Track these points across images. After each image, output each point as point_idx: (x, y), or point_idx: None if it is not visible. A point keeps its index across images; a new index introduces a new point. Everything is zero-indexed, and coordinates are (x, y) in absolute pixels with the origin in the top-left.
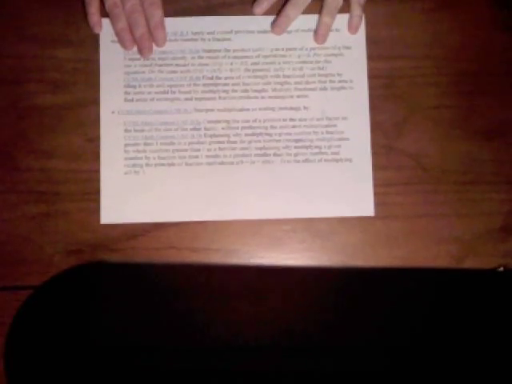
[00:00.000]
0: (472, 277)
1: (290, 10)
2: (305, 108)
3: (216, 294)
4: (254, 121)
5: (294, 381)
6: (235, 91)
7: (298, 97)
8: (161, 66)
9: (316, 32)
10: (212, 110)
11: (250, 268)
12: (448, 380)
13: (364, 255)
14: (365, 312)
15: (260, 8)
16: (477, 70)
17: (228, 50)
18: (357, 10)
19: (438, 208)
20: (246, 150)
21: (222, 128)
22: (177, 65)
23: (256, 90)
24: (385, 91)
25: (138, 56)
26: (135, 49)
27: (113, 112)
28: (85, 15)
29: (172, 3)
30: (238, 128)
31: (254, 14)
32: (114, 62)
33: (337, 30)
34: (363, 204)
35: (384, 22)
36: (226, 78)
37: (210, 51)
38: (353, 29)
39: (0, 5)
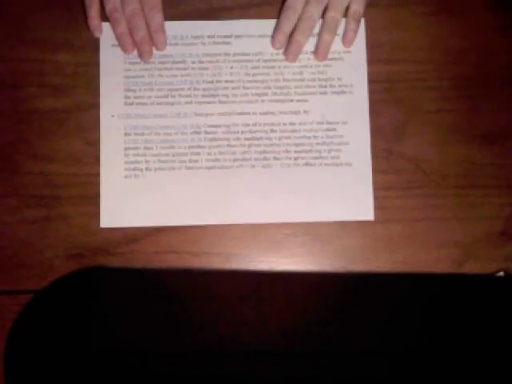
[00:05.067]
0: (472, 281)
1: (299, 35)
2: (305, 112)
3: (216, 299)
4: (254, 125)
5: None
6: (235, 95)
7: (298, 101)
8: (161, 69)
9: (316, 50)
10: (212, 114)
11: (250, 272)
12: None
13: (364, 259)
14: (365, 316)
15: (278, 44)
16: (477, 73)
17: (228, 54)
18: (352, 23)
19: (438, 212)
20: (245, 153)
21: (222, 132)
22: (177, 69)
23: (256, 94)
24: (385, 95)
25: (138, 60)
26: (135, 53)
27: (113, 116)
28: (85, 19)
29: (172, 7)
30: (237, 132)
31: (274, 48)
32: (114, 65)
33: (337, 35)
34: (363, 208)
35: (384, 26)
36: (226, 82)
37: (210, 55)
38: (347, 42)
39: (0, 8)
